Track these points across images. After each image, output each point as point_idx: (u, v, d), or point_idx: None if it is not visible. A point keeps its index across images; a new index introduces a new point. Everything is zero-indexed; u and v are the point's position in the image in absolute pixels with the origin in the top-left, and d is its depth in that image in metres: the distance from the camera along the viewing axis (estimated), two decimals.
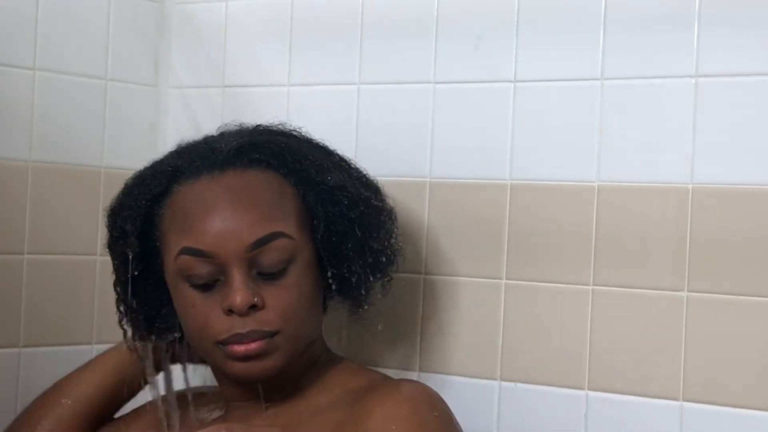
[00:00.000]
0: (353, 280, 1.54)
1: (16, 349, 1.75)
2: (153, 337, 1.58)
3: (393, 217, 1.61)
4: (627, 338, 1.61)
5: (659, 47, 1.59)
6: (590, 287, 1.63)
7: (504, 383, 1.68)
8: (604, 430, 1.62)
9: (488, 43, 1.71)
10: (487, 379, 1.69)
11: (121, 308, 1.57)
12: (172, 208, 1.52)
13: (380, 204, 1.59)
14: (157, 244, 1.53)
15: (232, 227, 1.48)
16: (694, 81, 1.57)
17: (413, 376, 1.73)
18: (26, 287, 1.76)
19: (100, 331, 1.81)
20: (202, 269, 1.48)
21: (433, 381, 1.72)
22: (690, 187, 1.57)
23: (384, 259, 1.57)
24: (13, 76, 1.78)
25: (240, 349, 1.46)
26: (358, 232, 1.53)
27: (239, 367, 1.48)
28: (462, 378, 1.70)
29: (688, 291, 1.57)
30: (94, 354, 1.63)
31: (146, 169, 1.57)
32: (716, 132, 1.56)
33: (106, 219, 1.57)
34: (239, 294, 1.46)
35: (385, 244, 1.57)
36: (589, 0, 1.64)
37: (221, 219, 1.49)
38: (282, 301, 1.48)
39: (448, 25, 1.74)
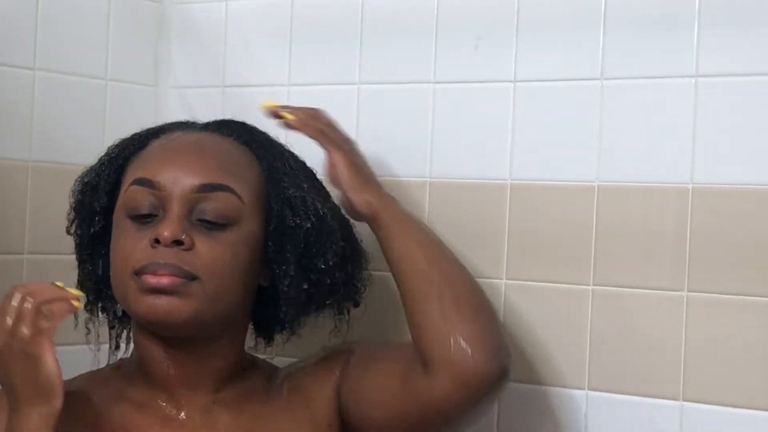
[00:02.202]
0: (285, 283, 1.52)
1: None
2: (100, 306, 1.58)
3: (353, 252, 1.58)
4: (627, 338, 1.61)
5: (659, 47, 1.59)
6: (590, 287, 1.63)
7: None
8: (604, 430, 1.62)
9: (488, 43, 1.71)
10: None
11: (79, 278, 1.58)
12: (141, 156, 1.53)
13: (333, 231, 1.55)
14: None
15: (186, 166, 1.49)
16: (694, 81, 1.57)
17: None
18: None
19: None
20: (144, 200, 1.47)
21: None
22: (690, 187, 1.57)
23: (329, 281, 1.54)
24: (13, 76, 1.78)
25: (152, 280, 1.43)
26: (302, 242, 1.52)
27: (148, 302, 1.44)
28: None
29: (688, 291, 1.57)
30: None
31: (127, 136, 1.59)
32: (716, 132, 1.56)
33: (77, 182, 1.57)
34: (169, 226, 1.45)
35: (331, 264, 1.53)
36: (589, 0, 1.64)
37: (179, 158, 1.50)
38: (212, 252, 1.46)
39: (448, 25, 1.74)
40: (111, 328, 1.61)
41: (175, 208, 1.46)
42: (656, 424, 1.59)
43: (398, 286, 1.52)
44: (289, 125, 1.61)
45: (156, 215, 1.48)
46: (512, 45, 1.69)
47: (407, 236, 1.53)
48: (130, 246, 1.47)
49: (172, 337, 1.49)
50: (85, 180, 1.57)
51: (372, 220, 1.54)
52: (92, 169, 1.57)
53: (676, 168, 1.58)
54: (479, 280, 1.66)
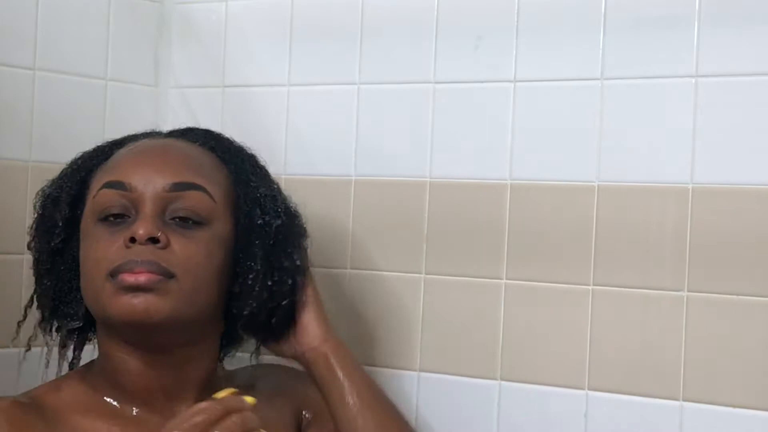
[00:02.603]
0: (250, 277, 1.50)
1: (16, 349, 1.75)
2: (55, 323, 1.55)
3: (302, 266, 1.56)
4: (627, 338, 1.61)
5: (659, 47, 1.59)
6: (590, 287, 1.63)
7: (504, 383, 1.68)
8: (604, 430, 1.62)
9: (488, 43, 1.71)
10: (487, 379, 1.69)
11: (35, 292, 1.55)
12: (106, 165, 1.52)
13: (302, 230, 1.57)
14: (82, 210, 1.51)
15: (156, 167, 1.49)
16: (694, 81, 1.57)
17: (413, 376, 1.73)
18: (26, 287, 1.76)
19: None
20: (117, 203, 1.46)
21: (433, 381, 1.72)
22: (690, 187, 1.57)
23: (290, 282, 1.53)
24: (13, 76, 1.78)
25: (130, 278, 1.41)
26: (271, 239, 1.52)
27: (125, 301, 1.42)
28: (462, 378, 1.71)
29: (688, 291, 1.57)
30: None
31: (92, 147, 1.58)
32: (716, 132, 1.56)
33: (38, 195, 1.55)
34: (144, 224, 1.44)
35: (297, 264, 1.53)
36: (589, 0, 1.64)
37: (148, 161, 1.50)
38: (188, 250, 1.45)
39: (448, 25, 1.74)
40: (62, 347, 1.57)
41: (148, 208, 1.46)
42: (656, 424, 1.58)
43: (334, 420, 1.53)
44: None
45: (128, 217, 1.47)
46: (512, 45, 1.69)
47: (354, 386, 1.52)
48: (103, 248, 1.45)
49: (149, 347, 1.47)
50: (47, 192, 1.55)
51: (316, 361, 1.53)
52: (53, 181, 1.56)
53: (676, 168, 1.58)
54: (479, 279, 1.66)
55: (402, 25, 1.78)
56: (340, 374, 1.52)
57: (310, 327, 1.54)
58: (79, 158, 1.57)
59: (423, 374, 1.74)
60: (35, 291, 1.56)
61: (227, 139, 1.59)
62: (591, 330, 1.63)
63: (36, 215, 1.56)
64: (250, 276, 1.50)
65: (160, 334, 1.46)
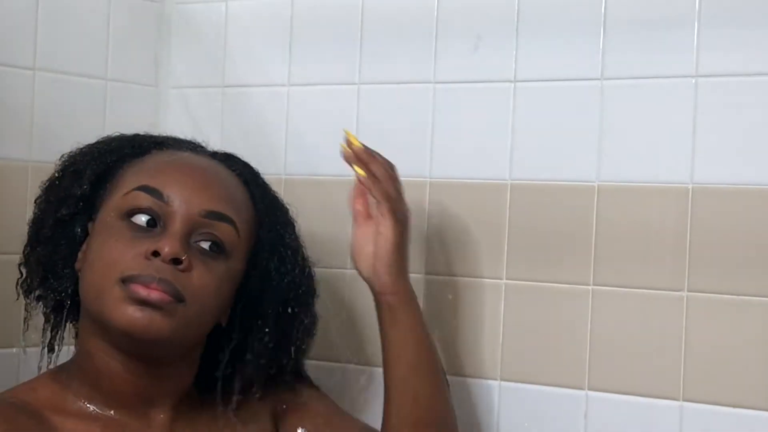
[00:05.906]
0: (257, 337, 1.52)
1: (16, 349, 1.75)
2: (37, 292, 1.52)
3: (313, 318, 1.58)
4: (627, 338, 1.61)
5: (659, 47, 1.60)
6: (590, 287, 1.63)
7: (504, 383, 1.68)
8: (604, 430, 1.62)
9: (488, 43, 1.71)
10: (487, 379, 1.69)
11: (26, 253, 1.54)
12: (144, 161, 1.51)
13: (313, 291, 1.58)
14: (102, 194, 1.49)
15: (196, 189, 1.47)
16: (694, 81, 1.57)
17: None
18: None
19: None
20: (148, 209, 1.44)
21: None
22: (690, 187, 1.57)
23: (293, 348, 1.55)
24: (13, 76, 1.78)
25: (143, 291, 1.39)
26: (283, 296, 1.53)
27: (129, 312, 1.39)
28: (462, 378, 1.71)
29: (688, 291, 1.57)
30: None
31: (126, 134, 1.57)
32: (716, 132, 1.56)
33: (62, 159, 1.53)
34: (172, 242, 1.42)
35: (305, 322, 1.55)
36: (589, 0, 1.64)
37: (190, 179, 1.48)
38: (203, 279, 1.43)
39: (448, 25, 1.74)
40: (46, 321, 1.54)
41: (178, 227, 1.44)
42: (656, 424, 1.59)
43: (384, 372, 1.57)
44: (360, 180, 1.59)
45: (154, 228, 1.45)
46: (512, 45, 1.69)
47: (406, 346, 1.56)
48: (120, 250, 1.43)
49: (136, 356, 1.45)
50: (70, 161, 1.53)
51: (387, 308, 1.56)
52: (80, 151, 1.54)
53: (676, 168, 1.58)
54: (479, 280, 1.66)
55: (402, 25, 1.78)
56: (402, 328, 1.56)
57: (382, 272, 1.55)
58: (113, 140, 1.55)
59: None
60: (25, 252, 1.54)
61: (263, 180, 1.58)
62: (591, 330, 1.63)
63: (52, 178, 1.53)
64: (258, 335, 1.52)
65: (153, 349, 1.45)
